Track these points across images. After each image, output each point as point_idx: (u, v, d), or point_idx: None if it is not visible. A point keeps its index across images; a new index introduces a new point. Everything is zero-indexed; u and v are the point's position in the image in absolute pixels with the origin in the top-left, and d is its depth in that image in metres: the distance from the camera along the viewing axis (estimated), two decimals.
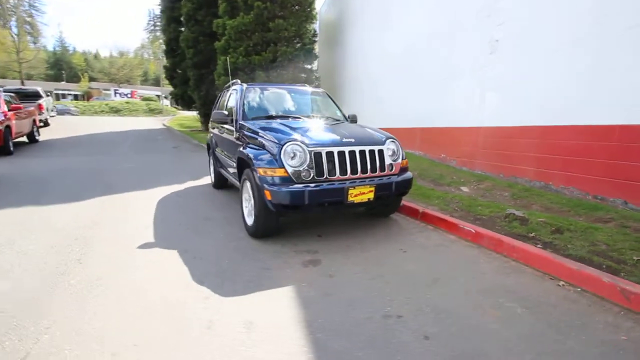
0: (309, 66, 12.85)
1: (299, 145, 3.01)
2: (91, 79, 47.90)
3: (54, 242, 3.24)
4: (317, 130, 3.40)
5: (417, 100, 7.44)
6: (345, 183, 3.09)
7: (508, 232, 3.24)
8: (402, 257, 2.91)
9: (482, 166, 5.78)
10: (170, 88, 48.07)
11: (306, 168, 3.00)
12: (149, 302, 2.22)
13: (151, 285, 2.43)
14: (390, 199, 3.51)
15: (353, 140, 3.25)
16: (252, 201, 3.28)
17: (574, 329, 1.91)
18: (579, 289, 2.32)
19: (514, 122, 5.09)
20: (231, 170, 4.25)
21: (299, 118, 4.16)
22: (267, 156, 3.06)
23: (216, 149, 5.25)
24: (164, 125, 21.14)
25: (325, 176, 3.05)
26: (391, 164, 3.41)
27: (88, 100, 38.43)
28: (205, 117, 18.78)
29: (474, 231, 3.21)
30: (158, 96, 39.83)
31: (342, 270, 2.65)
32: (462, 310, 2.10)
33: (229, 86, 5.58)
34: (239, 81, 4.92)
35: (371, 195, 3.17)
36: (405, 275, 2.58)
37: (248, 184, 3.42)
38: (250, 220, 3.43)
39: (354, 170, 3.16)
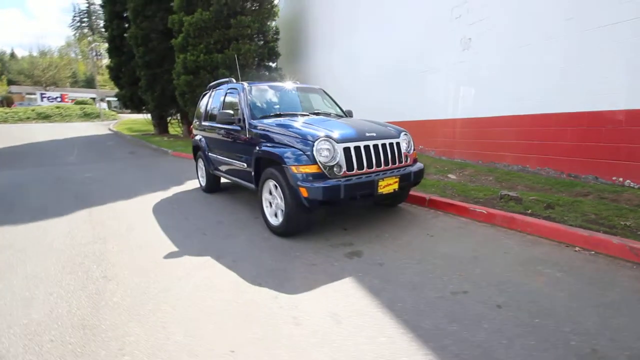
0: (273, 64, 12.72)
1: (329, 141, 3.06)
2: (10, 82, 42.17)
3: (62, 262, 2.93)
4: (337, 126, 3.47)
5: (393, 95, 7.80)
6: (371, 176, 3.22)
7: (508, 210, 3.63)
8: (433, 241, 3.12)
9: (461, 155, 6.27)
10: (107, 90, 44.36)
11: (337, 163, 3.07)
12: (220, 308, 2.15)
13: (210, 292, 2.34)
14: (405, 189, 3.71)
15: (375, 134, 3.38)
16: (280, 200, 3.27)
17: (607, 284, 2.25)
18: (592, 252, 2.71)
19: (490, 113, 5.61)
20: (238, 171, 4.14)
21: (307, 115, 4.19)
22: (297, 154, 3.06)
23: (209, 152, 5.05)
24: (110, 130, 19.47)
25: (354, 170, 3.15)
26: (406, 155, 3.61)
27: (10, 106, 33.79)
28: (160, 120, 17.69)
29: (485, 212, 3.54)
30: (93, 99, 36.35)
31: (388, 258, 2.78)
32: (514, 279, 2.34)
33: (214, 86, 5.40)
34: (233, 80, 4.78)
35: (396, 186, 3.34)
36: (445, 256, 2.78)
37: (271, 183, 3.40)
38: (275, 220, 3.41)
39: (378, 163, 3.30)
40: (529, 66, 4.96)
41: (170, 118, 17.75)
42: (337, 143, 3.08)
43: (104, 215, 4.40)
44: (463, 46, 6.01)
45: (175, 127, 17.55)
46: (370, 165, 3.24)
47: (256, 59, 12.06)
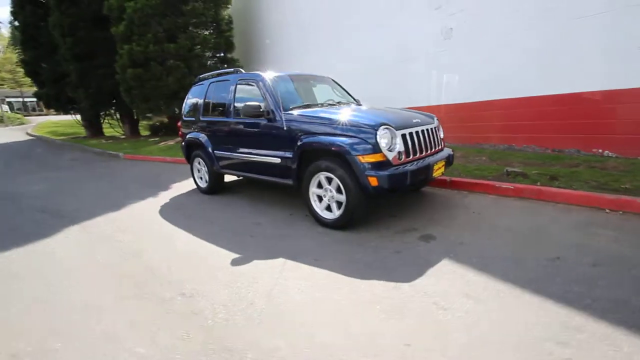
0: (229, 55, 12.04)
1: (389, 128, 3.05)
2: None
3: (111, 285, 2.51)
4: (384, 114, 3.46)
5: (372, 84, 7.97)
6: (427, 160, 3.32)
7: (520, 184, 4.03)
8: (483, 218, 3.33)
9: (447, 139, 6.69)
10: (6, 90, 37.47)
11: (398, 150, 3.09)
12: (350, 305, 2.05)
13: (322, 292, 2.21)
14: None
15: (419, 120, 3.46)
16: (336, 192, 3.19)
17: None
18: (621, 212, 3.17)
19: (474, 98, 6.09)
20: (266, 166, 3.88)
21: (335, 104, 4.11)
22: (360, 143, 3.00)
23: (214, 150, 4.66)
24: (30, 135, 16.65)
25: (411, 156, 3.21)
26: (442, 139, 3.78)
27: None
28: (93, 120, 15.57)
29: (513, 187, 3.88)
30: None
31: (462, 238, 2.89)
32: (582, 242, 2.64)
33: (212, 78, 4.97)
34: (242, 70, 4.44)
35: (443, 169, 3.49)
36: (509, 230, 2.98)
37: (322, 176, 3.28)
38: (328, 214, 3.32)
39: (427, 148, 3.41)
40: (511, 54, 5.49)
41: (105, 118, 15.78)
42: (396, 130, 3.10)
43: (104, 229, 3.82)
44: (444, 35, 6.39)
45: (115, 128, 15.66)
46: (422, 151, 3.33)
47: (212, 49, 11.31)
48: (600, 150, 4.76)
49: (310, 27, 9.65)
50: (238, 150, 4.28)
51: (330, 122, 3.29)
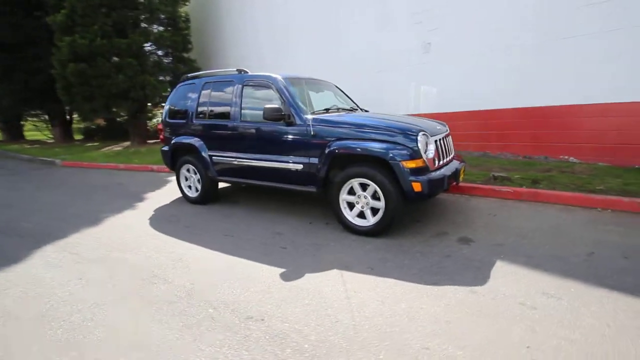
0: (186, 54, 11.28)
1: (426, 134, 3.11)
2: None
3: (150, 319, 2.13)
4: (411, 120, 3.52)
5: (350, 91, 8.07)
6: (455, 165, 3.45)
7: (506, 187, 4.42)
8: (502, 220, 3.54)
9: None
10: None
11: (433, 155, 3.15)
12: (443, 314, 2.00)
13: (405, 302, 2.12)
14: None
15: (440, 127, 3.59)
16: (371, 199, 3.13)
17: None
18: (610, 210, 3.63)
19: (452, 109, 6.52)
20: (283, 173, 3.67)
21: (351, 110, 4.07)
22: (401, 149, 2.99)
23: (212, 155, 4.27)
24: None
25: (441, 161, 3.30)
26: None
27: None
28: (15, 121, 13.24)
29: (512, 191, 4.21)
30: None
31: (497, 239, 3.03)
32: (604, 237, 2.95)
33: (195, 77, 4.58)
34: (247, 71, 4.16)
35: (463, 174, 3.65)
36: (534, 230, 3.20)
37: (356, 182, 3.21)
38: (361, 221, 3.25)
39: (448, 154, 3.54)
40: (487, 70, 6.02)
41: (28, 119, 13.58)
42: (430, 136, 3.17)
43: (92, 248, 3.27)
44: (424, 49, 6.77)
45: (43, 132, 13.55)
46: (445, 157, 3.45)
47: (168, 48, 10.48)
48: (566, 157, 5.44)
49: (285, 30, 9.49)
50: (245, 156, 3.98)
51: (365, 127, 3.23)
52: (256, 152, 3.88)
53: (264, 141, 3.80)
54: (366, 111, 4.43)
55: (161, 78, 10.58)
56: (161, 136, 5.05)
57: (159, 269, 2.77)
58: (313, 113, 3.60)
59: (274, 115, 3.48)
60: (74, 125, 15.07)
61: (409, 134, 3.05)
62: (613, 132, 4.95)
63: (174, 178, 6.85)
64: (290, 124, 3.56)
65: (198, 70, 11.69)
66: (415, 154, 2.99)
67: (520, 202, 4.09)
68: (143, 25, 10.17)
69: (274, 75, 3.84)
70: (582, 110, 5.16)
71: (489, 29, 5.93)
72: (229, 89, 4.14)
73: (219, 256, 2.97)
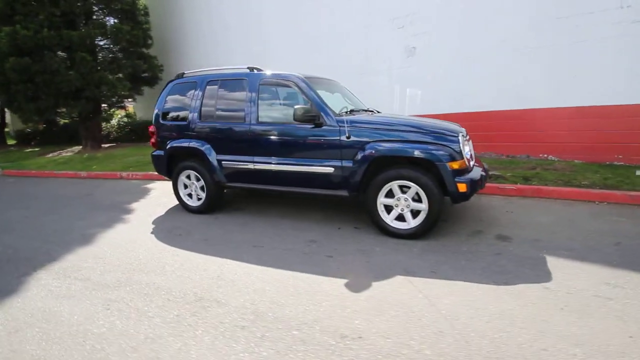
0: (146, 50, 10.35)
1: (464, 135, 3.15)
2: None
3: (227, 348, 1.86)
4: (433, 121, 3.54)
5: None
6: (479, 166, 3.55)
7: (512, 185, 4.73)
8: (522, 216, 3.72)
9: None
10: None
11: (469, 156, 3.21)
12: (537, 314, 2.01)
13: (493, 305, 2.11)
14: None
15: (462, 129, 3.68)
16: (412, 201, 3.10)
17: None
18: (605, 203, 4.01)
19: (437, 111, 6.78)
20: (309, 177, 3.49)
21: (367, 111, 4.01)
22: (445, 150, 2.99)
23: (224, 160, 3.93)
24: None
25: (472, 162, 3.38)
26: None
27: None
28: None
29: (515, 188, 4.48)
30: None
31: (532, 235, 3.16)
32: (617, 228, 3.23)
33: (193, 75, 4.20)
34: (262, 69, 3.88)
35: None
36: (554, 224, 3.40)
37: (396, 185, 3.14)
38: (400, 224, 3.20)
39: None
40: (470, 74, 6.36)
41: None
42: (464, 137, 3.23)
43: (97, 271, 2.82)
44: (408, 53, 6.95)
45: None
46: (473, 157, 3.55)
47: (128, 43, 9.53)
48: (545, 155, 5.95)
49: (258, 25, 9.14)
50: (264, 160, 3.71)
51: (402, 129, 3.20)
52: (278, 156, 3.64)
53: (288, 144, 3.58)
54: (378, 112, 4.41)
55: (119, 75, 9.57)
56: (152, 140, 4.53)
57: (201, 290, 2.45)
58: (339, 114, 3.48)
59: (305, 117, 3.29)
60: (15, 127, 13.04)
61: (450, 135, 3.08)
62: (586, 133, 5.53)
63: (151, 185, 6.27)
64: (319, 125, 3.39)
65: (159, 67, 10.82)
66: (458, 155, 3.01)
67: (525, 199, 4.36)
68: (97, 16, 9.11)
69: (296, 74, 3.64)
70: (559, 113, 5.69)
71: (470, 36, 6.28)
72: (242, 88, 3.83)
73: (262, 270, 2.72)
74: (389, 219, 3.24)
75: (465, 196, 3.01)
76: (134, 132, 12.53)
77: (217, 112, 3.98)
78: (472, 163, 3.32)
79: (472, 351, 1.74)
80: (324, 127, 3.38)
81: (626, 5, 4.92)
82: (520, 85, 5.96)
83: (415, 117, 3.71)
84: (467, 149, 3.20)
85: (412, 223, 3.16)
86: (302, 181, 3.59)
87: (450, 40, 6.51)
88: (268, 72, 3.83)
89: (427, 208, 3.06)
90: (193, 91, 4.16)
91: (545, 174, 5.09)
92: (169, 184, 6.22)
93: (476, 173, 3.17)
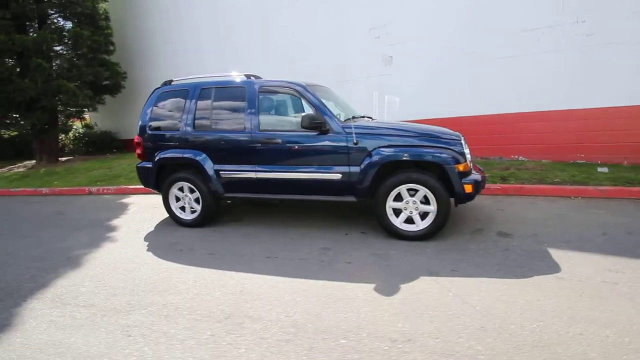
0: (107, 57, 9.75)
1: (464, 139, 3.32)
2: None
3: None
4: (432, 126, 3.69)
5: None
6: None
7: (496, 184, 5.05)
8: (513, 213, 3.97)
9: None
10: None
11: (470, 158, 3.39)
12: (569, 304, 2.15)
13: (524, 296, 2.22)
14: None
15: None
16: (423, 203, 3.19)
17: (616, 209, 3.85)
18: (580, 197, 4.41)
19: (411, 117, 7.06)
20: (315, 184, 3.48)
21: (363, 118, 4.09)
22: (450, 153, 3.12)
23: (222, 171, 3.79)
24: None
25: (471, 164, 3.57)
26: None
27: None
28: None
29: (499, 187, 4.78)
30: None
31: (529, 230, 3.38)
32: (599, 219, 3.56)
33: (183, 82, 4.05)
34: (261, 77, 3.81)
35: None
36: (546, 219, 3.67)
37: (404, 188, 3.22)
38: (409, 226, 3.28)
39: None
40: (444, 82, 6.73)
41: None
42: (464, 141, 3.40)
43: (103, 295, 2.59)
44: (385, 62, 7.20)
45: None
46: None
47: (89, 49, 8.91)
48: (516, 156, 6.42)
49: (229, 33, 8.98)
50: (267, 169, 3.63)
51: (407, 134, 3.30)
52: (282, 164, 3.59)
53: (292, 151, 3.54)
54: (372, 119, 4.51)
55: (77, 83, 8.88)
56: (138, 151, 4.25)
57: (227, 306, 2.33)
58: (345, 121, 3.52)
59: (312, 124, 3.28)
60: None
61: (454, 139, 3.23)
62: (550, 135, 6.06)
63: (127, 200, 5.88)
64: (325, 132, 3.40)
65: (122, 74, 10.23)
66: (462, 158, 3.17)
67: (510, 197, 4.67)
68: (53, 21, 8.43)
69: (297, 81, 3.63)
70: (527, 118, 6.19)
71: (444, 45, 6.67)
72: (241, 96, 3.74)
73: (285, 281, 2.65)
74: (398, 222, 3.31)
75: (470, 197, 3.17)
76: (93, 144, 11.67)
77: (214, 121, 3.85)
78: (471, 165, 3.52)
79: (518, 342, 1.82)
80: (330, 134, 3.40)
81: (581, 20, 5.52)
82: (489, 92, 6.41)
83: (414, 123, 3.85)
84: (467, 152, 3.38)
85: (421, 225, 3.25)
86: (308, 189, 3.57)
87: (424, 50, 6.85)
88: (267, 79, 3.78)
89: (435, 210, 3.17)
90: (184, 99, 3.99)
91: (519, 173, 5.49)
92: (146, 198, 5.89)
93: (477, 175, 3.35)
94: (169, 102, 4.09)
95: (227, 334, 2.03)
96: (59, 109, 8.70)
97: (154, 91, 4.25)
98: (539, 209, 4.11)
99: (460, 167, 3.13)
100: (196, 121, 3.90)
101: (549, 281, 2.43)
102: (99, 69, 9.16)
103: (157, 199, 5.74)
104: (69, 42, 8.48)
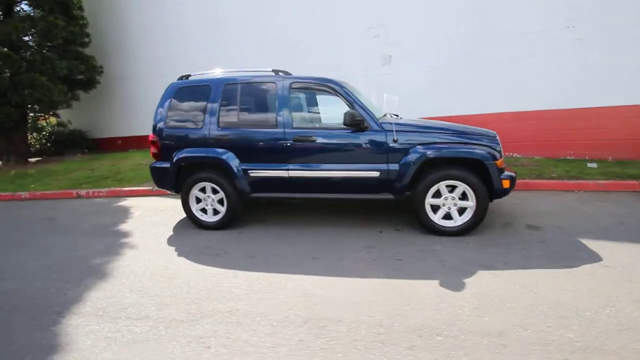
0: (82, 49, 9.04)
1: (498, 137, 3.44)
2: None
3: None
4: (465, 125, 3.79)
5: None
6: None
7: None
8: (529, 207, 4.18)
9: None
10: None
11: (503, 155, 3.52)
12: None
13: (597, 283, 2.35)
14: None
15: None
16: (461, 199, 3.27)
17: (618, 201, 4.18)
18: (582, 191, 4.74)
19: (409, 115, 7.24)
20: (351, 182, 3.46)
21: (395, 115, 4.10)
22: (488, 150, 3.23)
23: (250, 170, 3.64)
24: None
25: None
26: None
27: None
28: None
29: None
30: None
31: (554, 223, 3.57)
32: (606, 210, 3.84)
33: (201, 77, 3.86)
34: (290, 73, 3.70)
35: None
36: (561, 212, 3.90)
37: (443, 185, 3.29)
38: (446, 222, 3.36)
39: None
40: (439, 83, 6.94)
41: None
42: None
43: (152, 306, 2.43)
44: (384, 62, 7.30)
45: None
46: None
47: (63, 40, 8.20)
48: (511, 153, 6.77)
49: (221, 28, 8.66)
50: (301, 167, 3.55)
51: (445, 132, 3.37)
52: (318, 162, 3.52)
53: (329, 149, 3.49)
54: (398, 116, 4.57)
55: (47, 78, 8.12)
56: (153, 150, 3.98)
57: (299, 310, 2.25)
58: (380, 118, 3.52)
59: (354, 122, 3.25)
60: None
61: (491, 136, 3.35)
62: (543, 132, 6.46)
63: (124, 203, 5.53)
64: (363, 129, 3.38)
65: (98, 68, 9.53)
66: (499, 155, 3.29)
67: (519, 192, 4.90)
68: (22, 8, 7.66)
69: (332, 78, 3.57)
70: (522, 116, 6.55)
71: (440, 46, 6.88)
72: (271, 92, 3.61)
73: (346, 281, 2.60)
74: (436, 218, 3.37)
75: (507, 192, 3.30)
76: (62, 144, 10.77)
77: (241, 118, 3.69)
78: None
79: (603, 328, 1.92)
80: (368, 132, 3.39)
81: (571, 25, 5.93)
82: (485, 92, 6.71)
83: (448, 122, 3.95)
84: (500, 149, 3.51)
85: (459, 221, 3.33)
86: (344, 187, 3.53)
87: (422, 50, 7.03)
88: (297, 75, 3.69)
89: (474, 205, 3.26)
90: (206, 95, 3.78)
91: (517, 169, 5.78)
92: (146, 201, 5.55)
93: (510, 171, 3.49)
94: (188, 98, 3.87)
95: (316, 338, 1.96)
96: (29, 105, 7.92)
97: (169, 86, 3.99)
98: (550, 202, 4.37)
99: (498, 164, 3.25)
100: (221, 118, 3.71)
101: (597, 269, 2.59)
102: (74, 62, 8.46)
103: (160, 201, 5.46)
104: (41, 32, 7.73)
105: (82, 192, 6.00)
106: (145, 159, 8.39)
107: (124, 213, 4.91)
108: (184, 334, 2.06)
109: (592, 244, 3.03)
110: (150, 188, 5.99)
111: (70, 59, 8.35)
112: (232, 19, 8.61)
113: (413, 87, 7.16)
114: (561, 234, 3.30)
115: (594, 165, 5.65)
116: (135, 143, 10.66)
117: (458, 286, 2.45)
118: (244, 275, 2.78)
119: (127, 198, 5.81)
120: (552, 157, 6.38)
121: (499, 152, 3.30)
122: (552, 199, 4.49)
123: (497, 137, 3.37)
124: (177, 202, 5.22)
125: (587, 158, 6.08)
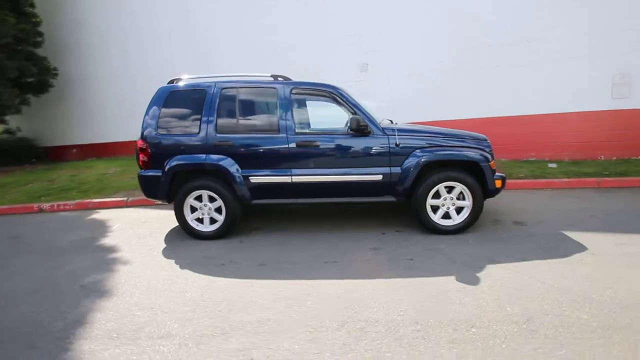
0: (34, 49, 8.27)
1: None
2: None
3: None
4: (460, 130, 4.02)
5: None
6: None
7: None
8: (509, 203, 4.53)
9: None
10: None
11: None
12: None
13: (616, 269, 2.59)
14: None
15: None
16: (459, 199, 3.47)
17: (583, 197, 4.68)
18: (550, 189, 5.22)
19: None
20: (354, 186, 3.52)
21: (389, 120, 4.23)
22: (482, 153, 3.47)
23: (251, 176, 3.56)
24: None
25: None
26: None
27: None
28: None
29: None
30: None
31: (535, 218, 3.91)
32: (598, 205, 4.28)
33: (193, 81, 3.75)
34: (290, 78, 3.68)
35: None
36: (539, 208, 4.29)
37: (442, 187, 3.47)
38: (446, 221, 3.55)
39: None
40: (417, 89, 7.31)
41: None
42: None
43: (178, 322, 2.30)
44: (361, 69, 7.51)
45: None
46: None
47: (14, 38, 7.43)
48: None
49: (204, 34, 8.36)
50: (304, 173, 3.54)
51: (442, 135, 3.57)
52: (321, 167, 3.54)
53: (332, 154, 3.52)
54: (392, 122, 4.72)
55: None
56: (142, 158, 3.73)
57: (332, 314, 2.24)
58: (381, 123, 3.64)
59: (359, 127, 3.32)
60: None
61: (482, 140, 3.59)
62: (507, 137, 7.02)
63: (97, 216, 5.15)
64: (367, 134, 3.46)
65: (52, 71, 8.74)
66: (491, 156, 3.55)
67: (507, 191, 5.26)
68: None
69: (332, 83, 3.62)
70: (487, 122, 7.07)
71: (414, 55, 7.26)
72: (272, 97, 3.57)
73: (363, 284, 2.64)
74: (436, 218, 3.54)
75: (498, 191, 3.56)
76: (7, 153, 9.69)
77: (241, 123, 3.60)
78: None
79: (611, 307, 2.15)
80: (371, 136, 3.48)
81: (526, 40, 6.57)
82: (456, 99, 7.18)
83: (441, 127, 4.16)
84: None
85: (457, 219, 3.53)
86: (348, 190, 3.58)
87: (399, 58, 7.36)
88: (298, 80, 3.69)
89: (471, 205, 3.48)
90: (202, 100, 3.65)
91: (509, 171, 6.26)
92: (123, 212, 5.21)
93: (500, 172, 3.76)
94: (181, 103, 3.70)
95: (358, 341, 1.97)
96: None
97: (159, 91, 3.78)
98: (525, 200, 4.77)
99: (492, 165, 3.50)
100: (219, 124, 3.60)
101: (587, 258, 2.88)
102: (25, 63, 7.69)
103: (138, 212, 5.13)
104: None
105: (45, 205, 5.44)
106: (110, 167, 7.83)
107: (102, 227, 4.53)
108: (220, 349, 1.97)
109: (575, 236, 3.36)
110: (125, 199, 5.59)
111: (20, 60, 7.58)
112: (214, 22, 8.38)
113: (390, 93, 7.46)
114: (545, 228, 3.61)
115: (554, 165, 6.27)
116: (93, 151, 9.92)
117: (474, 280, 2.59)
118: (261, 284, 2.71)
119: (99, 210, 5.36)
120: (516, 159, 6.97)
121: (491, 154, 3.56)
122: (526, 197, 4.90)
123: (488, 140, 3.64)
124: (159, 213, 4.96)
125: (547, 159, 6.72)
